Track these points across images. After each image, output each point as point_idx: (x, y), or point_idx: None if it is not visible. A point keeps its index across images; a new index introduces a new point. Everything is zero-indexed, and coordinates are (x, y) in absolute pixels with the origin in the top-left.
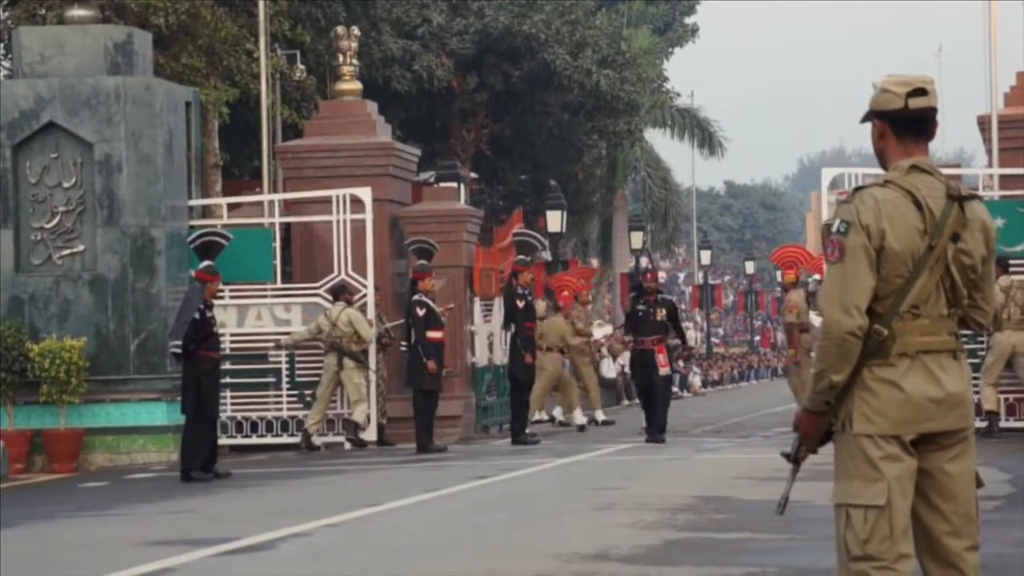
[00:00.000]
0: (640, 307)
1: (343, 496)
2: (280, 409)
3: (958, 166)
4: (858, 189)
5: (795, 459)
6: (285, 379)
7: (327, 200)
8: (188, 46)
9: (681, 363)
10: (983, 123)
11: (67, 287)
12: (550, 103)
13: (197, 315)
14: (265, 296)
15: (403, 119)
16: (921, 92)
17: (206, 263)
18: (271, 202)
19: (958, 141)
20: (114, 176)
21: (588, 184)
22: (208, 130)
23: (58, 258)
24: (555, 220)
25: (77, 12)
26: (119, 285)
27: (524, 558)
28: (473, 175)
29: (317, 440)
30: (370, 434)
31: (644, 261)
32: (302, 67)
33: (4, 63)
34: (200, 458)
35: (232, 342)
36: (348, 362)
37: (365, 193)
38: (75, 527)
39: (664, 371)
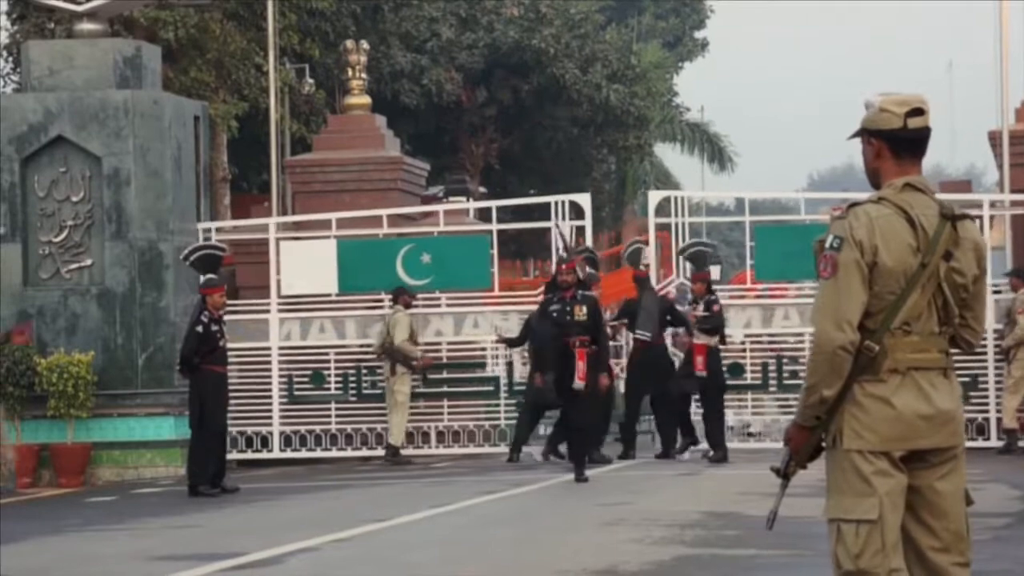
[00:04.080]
0: (555, 306)
1: (351, 511)
2: (498, 418)
3: (968, 182)
4: (852, 205)
5: (784, 474)
6: (504, 387)
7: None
8: (197, 60)
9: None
10: (994, 139)
11: (75, 301)
12: (559, 117)
13: (200, 328)
14: (482, 304)
15: (412, 133)
16: (919, 112)
17: (208, 276)
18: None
19: (969, 157)
20: (122, 190)
21: (597, 199)
22: (217, 144)
23: (66, 272)
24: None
25: (86, 26)
26: (127, 299)
27: (532, 574)
28: (482, 189)
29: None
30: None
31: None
32: (311, 81)
33: (13, 77)
34: (207, 473)
35: (449, 350)
36: (399, 368)
37: (584, 199)
38: (82, 542)
39: (579, 384)
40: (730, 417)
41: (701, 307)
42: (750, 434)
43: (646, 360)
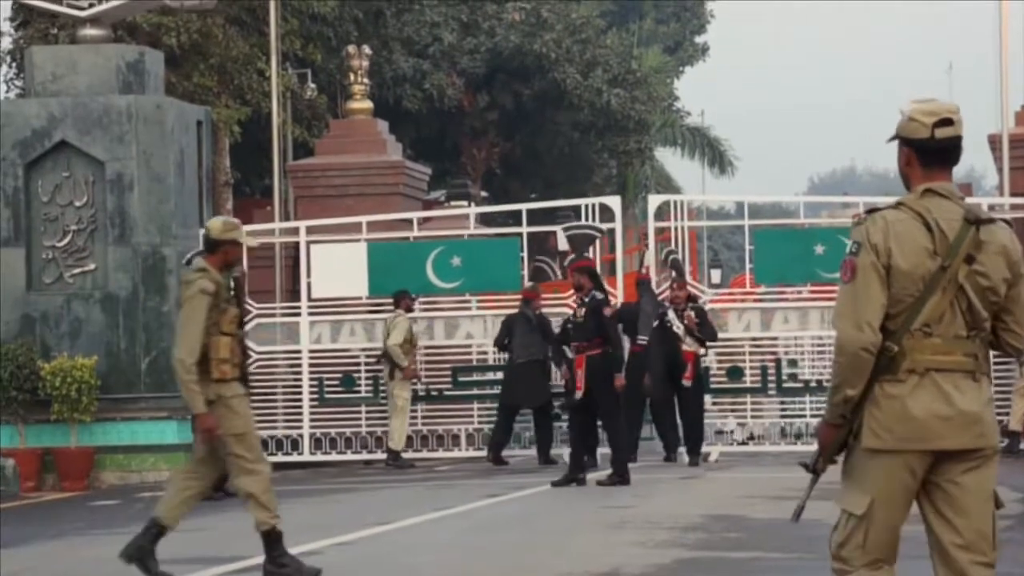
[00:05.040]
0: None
1: (353, 514)
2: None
3: (968, 185)
4: (871, 211)
5: (814, 470)
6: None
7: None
8: (200, 65)
9: None
10: (994, 142)
11: (78, 305)
12: (560, 122)
13: None
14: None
15: (414, 138)
16: (947, 122)
17: None
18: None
19: (968, 160)
20: (125, 195)
21: None
22: (219, 148)
23: (69, 276)
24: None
25: (89, 32)
26: (130, 303)
27: None
28: (483, 194)
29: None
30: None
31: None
32: (313, 86)
33: (16, 82)
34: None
35: (478, 353)
36: (398, 372)
37: (614, 201)
38: (86, 545)
39: (579, 395)
40: (730, 422)
41: (693, 314)
42: (742, 442)
43: (645, 364)
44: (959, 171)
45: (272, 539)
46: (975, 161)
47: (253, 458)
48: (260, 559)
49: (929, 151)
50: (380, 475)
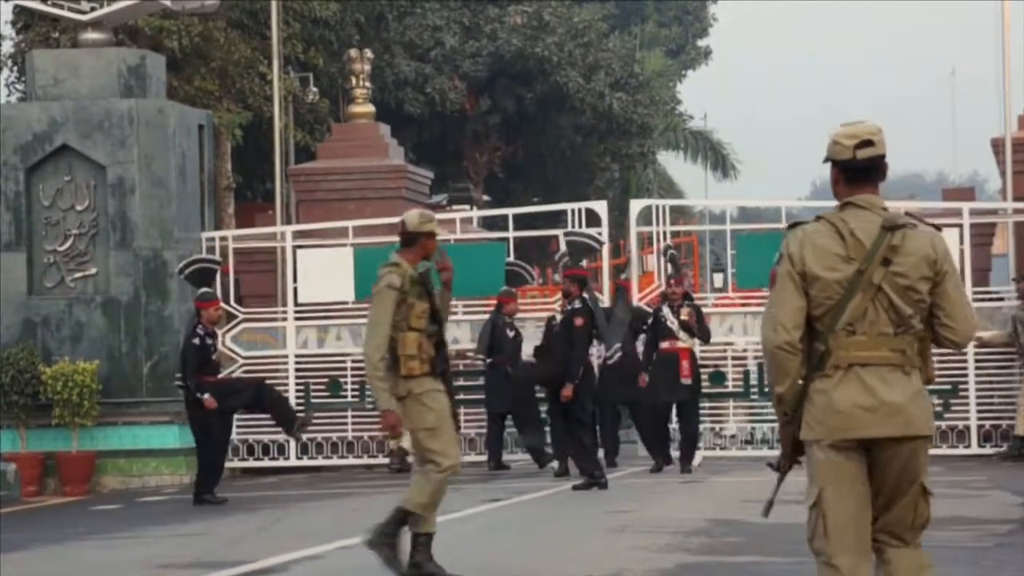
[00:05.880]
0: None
1: (356, 518)
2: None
3: (972, 189)
4: (793, 226)
5: (778, 468)
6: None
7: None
8: (201, 69)
9: None
10: (997, 146)
11: (80, 310)
12: (563, 125)
13: (196, 341)
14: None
15: (416, 141)
16: (868, 144)
17: (202, 290)
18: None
19: (972, 164)
20: (127, 199)
21: None
22: (221, 152)
23: (71, 281)
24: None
25: (91, 35)
26: (132, 308)
27: None
28: (486, 197)
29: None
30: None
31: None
32: (315, 90)
33: (18, 86)
34: (211, 481)
35: (464, 358)
36: None
37: (600, 207)
38: (88, 550)
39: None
40: (731, 426)
41: (693, 312)
42: (723, 446)
43: (617, 370)
44: (963, 174)
45: (400, 517)
46: (978, 165)
47: (443, 452)
48: (263, 563)
49: (852, 170)
50: (383, 479)
